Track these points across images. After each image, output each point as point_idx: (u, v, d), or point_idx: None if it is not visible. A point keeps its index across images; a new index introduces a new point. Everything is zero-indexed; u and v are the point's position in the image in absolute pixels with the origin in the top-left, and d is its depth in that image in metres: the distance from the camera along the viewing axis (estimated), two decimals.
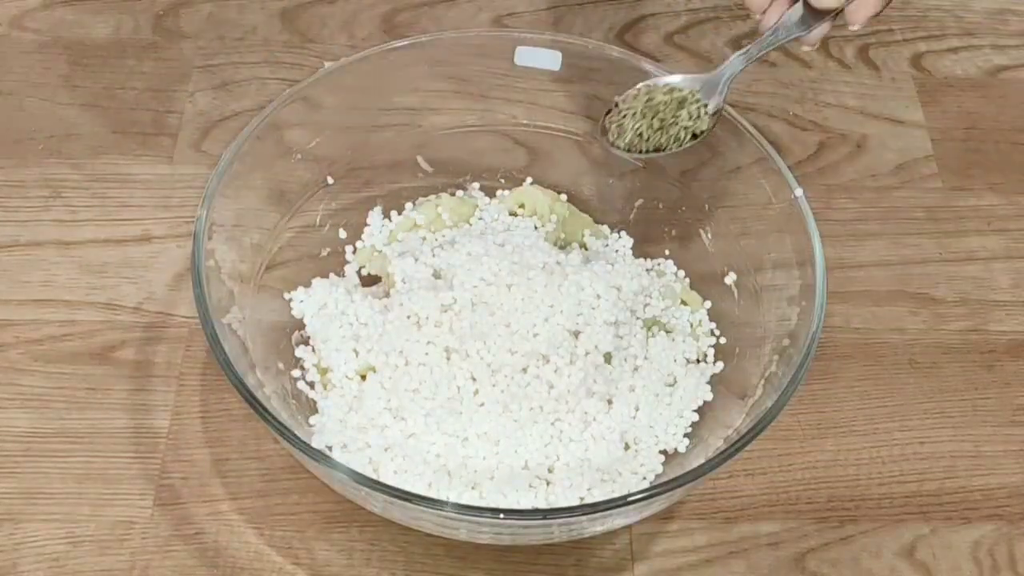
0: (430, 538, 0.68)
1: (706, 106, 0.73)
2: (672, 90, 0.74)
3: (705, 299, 0.78)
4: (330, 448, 0.69)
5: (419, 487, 0.67)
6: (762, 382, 0.69)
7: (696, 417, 0.72)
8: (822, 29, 0.71)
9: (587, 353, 0.71)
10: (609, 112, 0.75)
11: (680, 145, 0.73)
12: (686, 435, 0.71)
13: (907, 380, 0.78)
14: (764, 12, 0.72)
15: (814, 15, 0.70)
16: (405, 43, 0.79)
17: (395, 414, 0.69)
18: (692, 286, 0.79)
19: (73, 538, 0.69)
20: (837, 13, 0.70)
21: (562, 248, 0.78)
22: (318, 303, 0.75)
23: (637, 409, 0.71)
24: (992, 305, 0.83)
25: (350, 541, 0.69)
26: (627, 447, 0.70)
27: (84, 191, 0.84)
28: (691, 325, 0.76)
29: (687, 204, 0.79)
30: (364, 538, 0.69)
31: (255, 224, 0.74)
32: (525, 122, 0.83)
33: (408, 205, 0.82)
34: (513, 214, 0.81)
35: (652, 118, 0.73)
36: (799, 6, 0.70)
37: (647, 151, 0.74)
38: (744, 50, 0.73)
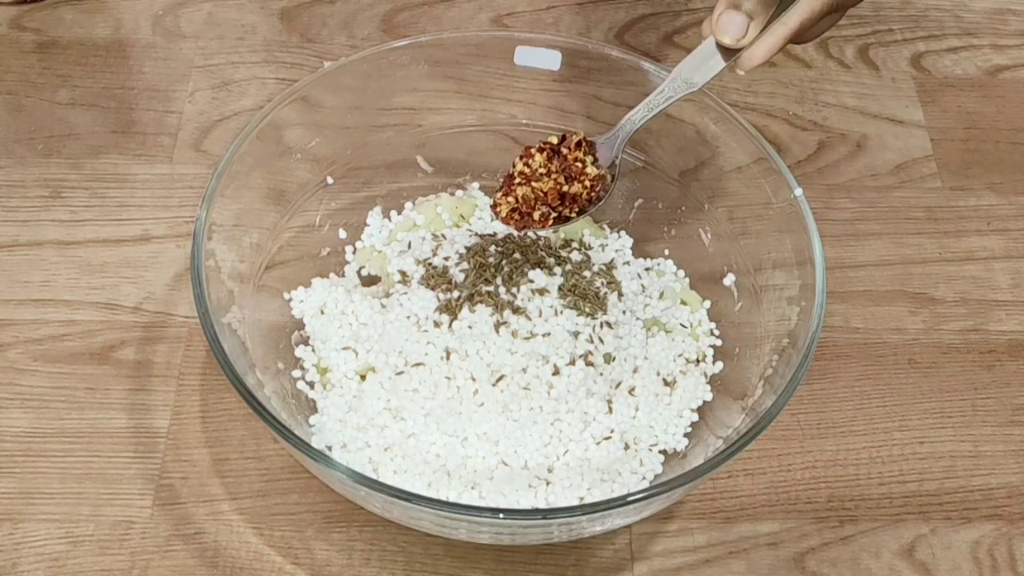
0: (430, 538, 0.68)
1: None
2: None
3: (705, 299, 0.78)
4: (330, 448, 0.69)
5: (419, 487, 0.67)
6: (762, 382, 0.69)
7: (696, 417, 0.72)
8: (713, 77, 0.69)
9: (587, 353, 0.71)
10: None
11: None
12: (686, 435, 0.71)
13: (907, 380, 0.78)
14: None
15: (707, 66, 0.68)
16: (405, 43, 0.79)
17: (395, 414, 0.69)
18: (692, 286, 0.79)
19: (73, 538, 0.69)
20: (735, 57, 0.68)
21: (562, 248, 0.78)
22: (318, 303, 0.75)
23: (637, 409, 0.71)
24: (992, 305, 0.83)
25: (350, 541, 0.69)
26: (627, 447, 0.70)
27: (84, 191, 0.84)
28: (691, 325, 0.76)
29: (687, 204, 0.79)
30: (364, 538, 0.69)
31: (255, 224, 0.74)
32: (525, 122, 0.83)
33: (408, 205, 0.82)
34: None
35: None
36: (693, 56, 0.69)
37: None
38: (634, 111, 0.70)
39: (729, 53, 0.68)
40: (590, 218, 0.81)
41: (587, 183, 0.71)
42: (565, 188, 0.70)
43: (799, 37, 0.68)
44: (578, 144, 0.71)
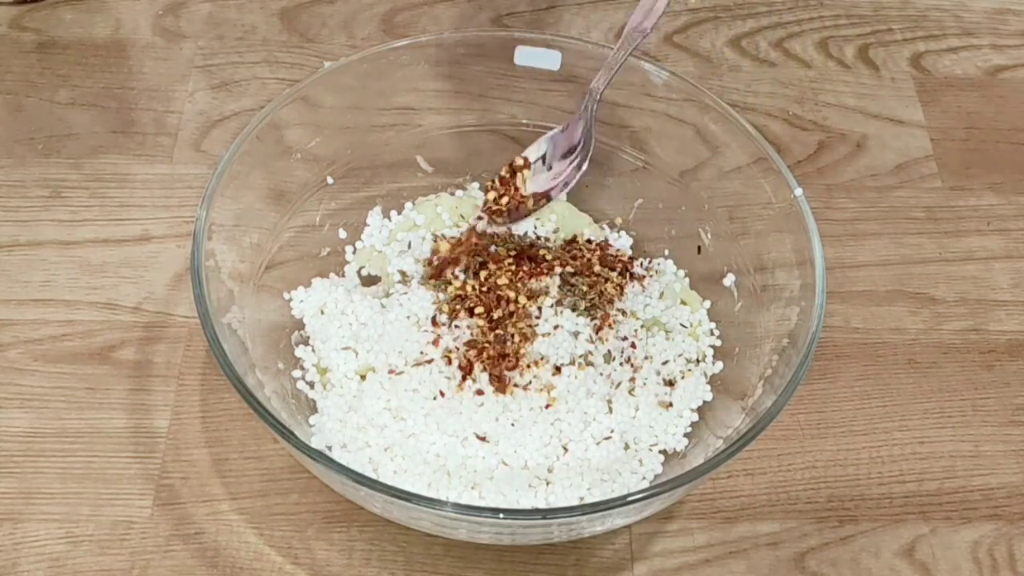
0: (430, 538, 0.68)
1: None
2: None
3: (705, 299, 0.78)
4: (330, 448, 0.69)
5: (419, 487, 0.67)
6: (762, 382, 0.69)
7: (696, 417, 0.72)
8: (659, 18, 0.75)
9: (587, 353, 0.71)
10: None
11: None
12: (686, 435, 0.71)
13: (907, 380, 0.78)
14: None
15: (653, 10, 0.75)
16: (405, 43, 0.79)
17: (395, 414, 0.69)
18: (692, 286, 0.79)
19: (73, 538, 0.69)
20: None
21: (562, 248, 0.78)
22: (318, 303, 0.75)
23: (637, 409, 0.71)
24: (992, 305, 0.83)
25: (350, 541, 0.69)
26: (627, 447, 0.70)
27: (84, 191, 0.84)
28: (691, 325, 0.76)
29: (687, 204, 0.79)
30: (364, 538, 0.69)
31: (255, 224, 0.74)
32: (525, 122, 0.83)
33: (408, 205, 0.82)
34: None
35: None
36: (639, 9, 0.75)
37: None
38: (596, 79, 0.76)
39: None
40: (590, 218, 0.81)
41: (530, 204, 0.78)
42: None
43: None
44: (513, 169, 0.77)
